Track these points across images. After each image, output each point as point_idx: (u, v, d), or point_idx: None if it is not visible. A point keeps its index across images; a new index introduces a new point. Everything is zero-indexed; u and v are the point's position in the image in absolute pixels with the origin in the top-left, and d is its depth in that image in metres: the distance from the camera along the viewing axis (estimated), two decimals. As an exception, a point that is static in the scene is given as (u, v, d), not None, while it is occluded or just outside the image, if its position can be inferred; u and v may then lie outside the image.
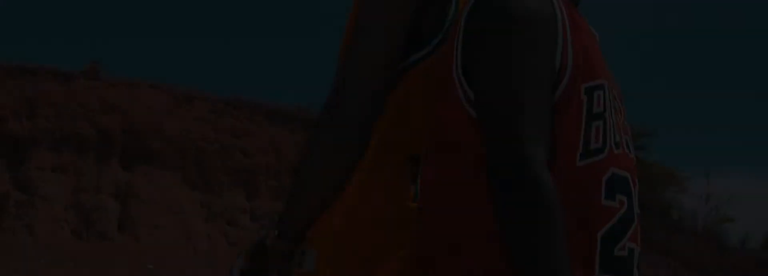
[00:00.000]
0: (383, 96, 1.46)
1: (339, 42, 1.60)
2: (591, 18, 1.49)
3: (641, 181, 1.50)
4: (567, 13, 1.41)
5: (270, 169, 14.17)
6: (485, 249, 1.37)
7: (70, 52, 24.11)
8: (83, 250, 11.91)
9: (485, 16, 1.40)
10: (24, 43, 21.22)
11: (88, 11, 24.64)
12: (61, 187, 12.63)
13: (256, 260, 1.49)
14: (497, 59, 1.37)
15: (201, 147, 13.83)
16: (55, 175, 12.73)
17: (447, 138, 1.43)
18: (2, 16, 23.21)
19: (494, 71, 1.37)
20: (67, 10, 23.99)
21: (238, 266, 1.49)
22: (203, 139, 13.91)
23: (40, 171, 12.63)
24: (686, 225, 19.19)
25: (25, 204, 12.28)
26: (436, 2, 1.50)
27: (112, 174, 13.02)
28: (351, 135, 1.45)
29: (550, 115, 1.36)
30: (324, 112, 1.47)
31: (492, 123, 1.35)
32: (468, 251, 1.38)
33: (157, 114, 13.77)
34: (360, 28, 1.50)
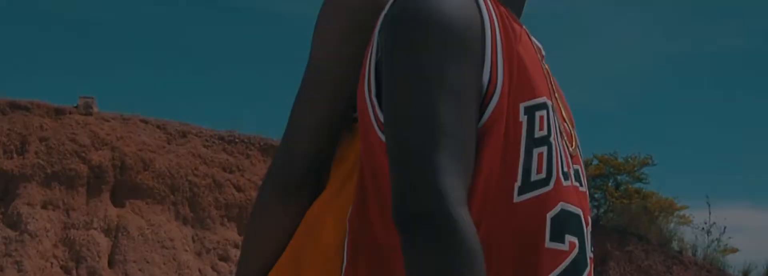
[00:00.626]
0: (329, 133, 1.35)
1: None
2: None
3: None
4: (501, 22, 1.21)
5: (263, 203, 14.04)
6: None
7: (62, 87, 24.15)
8: (72, 286, 11.76)
9: (394, 24, 1.18)
10: (16, 77, 21.24)
11: (81, 46, 24.75)
12: (50, 223, 12.53)
13: None
14: (406, 71, 1.14)
15: (193, 182, 13.74)
16: (44, 211, 12.63)
17: (364, 170, 1.23)
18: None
19: (401, 86, 1.14)
20: (59, 45, 24.09)
21: None
22: (195, 174, 13.83)
23: (29, 207, 12.53)
24: (687, 256, 18.99)
25: (14, 240, 12.16)
26: None
27: (102, 209, 12.92)
28: (292, 174, 1.35)
29: (474, 139, 1.13)
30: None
31: (397, 148, 1.12)
32: None
33: (150, 149, 13.72)
34: (309, 63, 1.39)
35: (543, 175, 1.17)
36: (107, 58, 23.58)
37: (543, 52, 1.35)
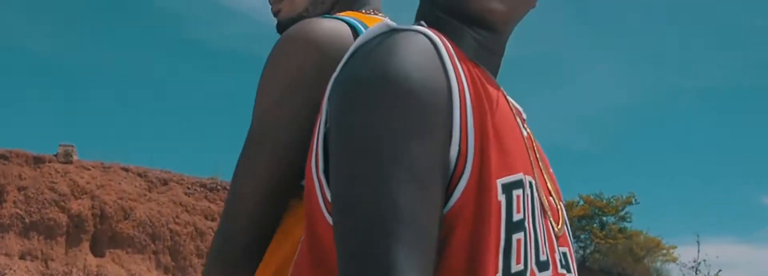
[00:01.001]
0: (273, 204, 1.23)
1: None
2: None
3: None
4: (472, 86, 1.03)
5: (246, 250, 13.91)
6: None
7: (42, 134, 23.98)
8: (51, 340, 11.53)
9: (345, 89, 1.00)
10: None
11: (61, 93, 24.65)
12: (29, 273, 12.31)
13: None
14: (357, 146, 0.96)
15: (174, 230, 13.59)
16: (23, 261, 12.43)
17: (306, 257, 1.05)
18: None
19: (352, 163, 0.96)
20: (38, 92, 23.98)
21: None
22: (176, 222, 13.68)
23: (7, 258, 12.33)
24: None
25: (-8, 293, 11.93)
26: None
27: (82, 259, 12.73)
28: (233, 249, 1.24)
29: (437, 227, 0.96)
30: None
31: (345, 237, 0.95)
32: None
33: (130, 197, 13.57)
34: (250, 126, 1.26)
35: (521, 266, 1.01)
36: (88, 105, 23.49)
37: (523, 115, 1.21)
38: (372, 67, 0.99)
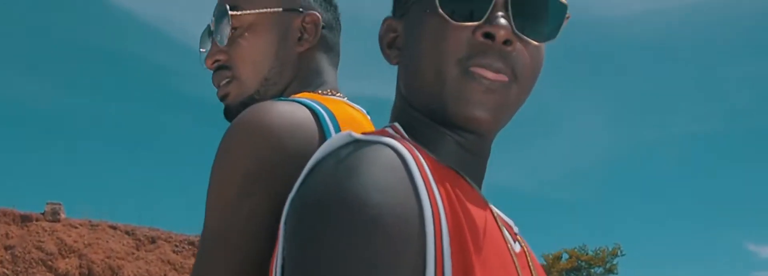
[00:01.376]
0: None
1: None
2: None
3: None
4: (450, 210, 0.91)
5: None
6: None
7: (29, 192, 23.89)
8: None
9: (301, 214, 0.88)
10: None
11: (48, 150, 24.64)
12: (15, 335, 12.17)
13: None
14: None
15: (162, 288, 13.50)
16: (9, 323, 12.30)
17: None
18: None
19: None
20: (25, 149, 23.96)
21: None
22: (164, 280, 13.60)
23: (-7, 319, 12.20)
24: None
25: None
26: None
27: (69, 320, 12.61)
28: None
29: None
30: None
31: None
32: None
33: (118, 256, 13.50)
34: (203, 230, 1.13)
35: None
36: (75, 163, 23.45)
37: (515, 229, 1.08)
38: (330, 190, 0.86)
